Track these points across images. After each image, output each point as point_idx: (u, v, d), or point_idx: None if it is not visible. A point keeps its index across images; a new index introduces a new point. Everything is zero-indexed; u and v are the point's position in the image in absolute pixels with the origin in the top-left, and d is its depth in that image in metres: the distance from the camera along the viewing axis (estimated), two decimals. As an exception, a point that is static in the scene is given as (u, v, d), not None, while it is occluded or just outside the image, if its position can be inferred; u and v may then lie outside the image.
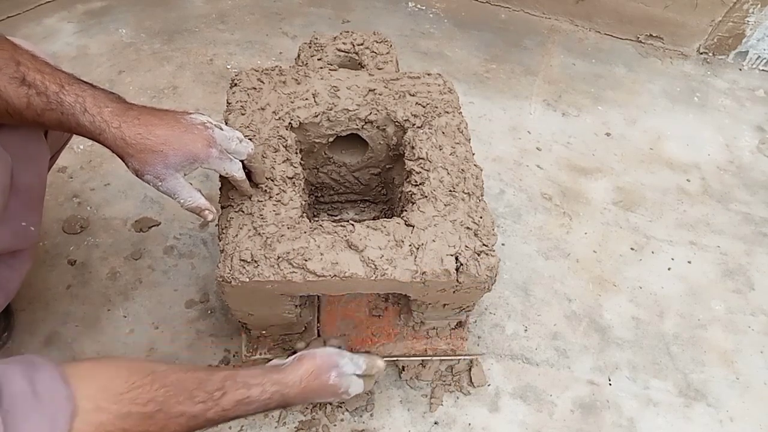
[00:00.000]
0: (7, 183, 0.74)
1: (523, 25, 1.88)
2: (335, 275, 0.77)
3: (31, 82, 0.67)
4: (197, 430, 0.65)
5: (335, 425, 1.00)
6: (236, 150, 0.78)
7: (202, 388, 0.66)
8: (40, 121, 0.69)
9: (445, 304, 0.90)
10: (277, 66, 0.99)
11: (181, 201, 0.75)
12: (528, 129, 1.56)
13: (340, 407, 1.02)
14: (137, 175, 0.72)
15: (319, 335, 1.03)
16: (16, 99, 0.66)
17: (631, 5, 1.77)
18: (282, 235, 0.80)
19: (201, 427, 0.66)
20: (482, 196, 0.87)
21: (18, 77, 0.66)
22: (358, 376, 0.83)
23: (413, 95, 0.97)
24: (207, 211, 0.77)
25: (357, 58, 1.09)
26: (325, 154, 1.01)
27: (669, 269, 1.30)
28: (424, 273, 0.78)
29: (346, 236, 0.80)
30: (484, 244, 0.81)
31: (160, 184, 0.72)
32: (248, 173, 0.83)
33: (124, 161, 0.72)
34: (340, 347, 0.88)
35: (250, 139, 0.88)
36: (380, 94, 0.96)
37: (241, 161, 0.79)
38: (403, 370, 1.05)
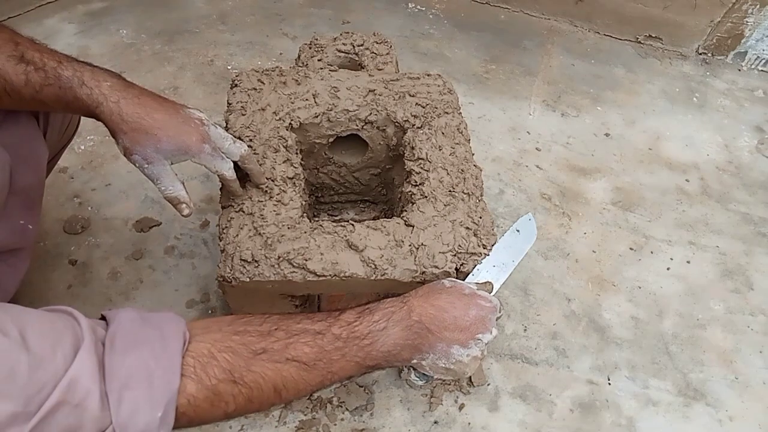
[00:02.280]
0: (5, 182, 0.75)
1: (523, 25, 1.88)
2: (335, 275, 0.78)
3: (29, 59, 0.67)
4: (320, 358, 0.62)
5: (335, 425, 1.00)
6: (229, 150, 0.78)
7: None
8: (38, 98, 0.69)
9: (444, 304, 0.90)
10: (277, 67, 1.00)
11: (162, 188, 0.75)
12: (527, 129, 1.56)
13: (340, 407, 1.03)
14: (125, 154, 0.73)
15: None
16: (15, 76, 0.67)
17: (630, 6, 1.77)
18: (282, 235, 0.80)
19: (324, 351, 0.63)
20: (482, 196, 0.88)
21: (16, 55, 0.67)
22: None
23: (413, 96, 0.98)
24: (184, 205, 0.76)
25: (357, 58, 1.09)
26: (325, 154, 1.02)
27: (668, 269, 1.30)
28: (424, 273, 0.79)
29: (346, 236, 0.81)
30: (483, 245, 0.82)
31: (146, 166, 0.73)
32: (245, 174, 0.84)
33: (115, 137, 0.72)
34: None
35: (251, 140, 0.89)
36: (380, 95, 0.96)
37: (235, 162, 0.80)
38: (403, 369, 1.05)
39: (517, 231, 0.85)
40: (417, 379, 0.73)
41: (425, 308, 0.68)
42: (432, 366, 0.69)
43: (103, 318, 0.56)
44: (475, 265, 0.80)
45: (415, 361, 0.69)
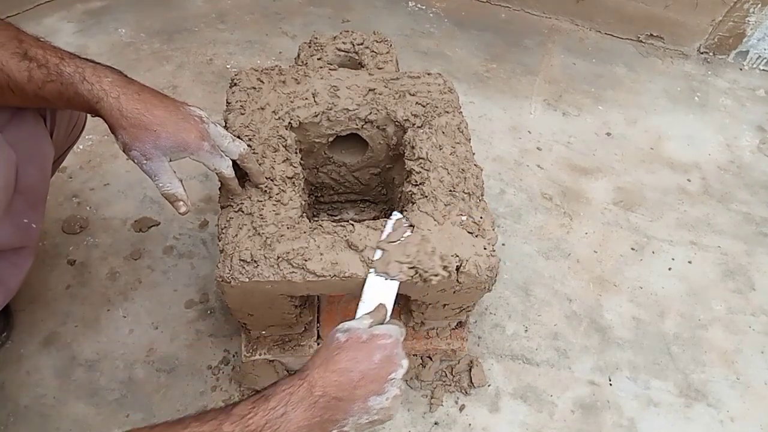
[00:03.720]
0: (11, 180, 0.75)
1: (524, 24, 1.87)
2: (335, 275, 0.77)
3: (32, 56, 0.68)
4: None
5: (335, 426, 1.00)
6: (228, 148, 0.78)
7: None
8: (41, 95, 0.69)
9: (445, 305, 0.90)
10: (276, 65, 0.99)
11: (160, 185, 0.74)
12: (528, 129, 1.56)
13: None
14: (124, 150, 0.72)
15: (319, 335, 1.03)
16: (18, 73, 0.67)
17: (631, 5, 1.76)
18: (282, 235, 0.79)
19: None
20: (482, 195, 0.87)
21: (20, 52, 0.67)
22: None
23: (413, 95, 0.97)
24: (181, 203, 0.75)
25: (357, 57, 1.08)
26: (325, 153, 1.01)
27: (669, 269, 1.29)
28: (424, 273, 0.78)
29: (346, 236, 0.80)
30: (484, 245, 0.81)
31: (144, 162, 0.72)
32: (245, 174, 0.83)
33: (114, 133, 0.71)
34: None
35: (250, 139, 0.88)
36: (380, 94, 0.96)
37: (234, 161, 0.79)
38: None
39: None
40: None
41: (328, 378, 0.62)
42: (356, 427, 0.64)
43: None
44: (361, 291, 0.76)
45: None
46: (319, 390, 0.62)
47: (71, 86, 0.69)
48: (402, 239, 0.79)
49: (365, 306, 0.75)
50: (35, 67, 0.67)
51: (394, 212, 0.84)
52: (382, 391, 0.64)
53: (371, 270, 0.77)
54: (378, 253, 0.78)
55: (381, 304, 0.74)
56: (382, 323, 0.72)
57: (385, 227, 0.81)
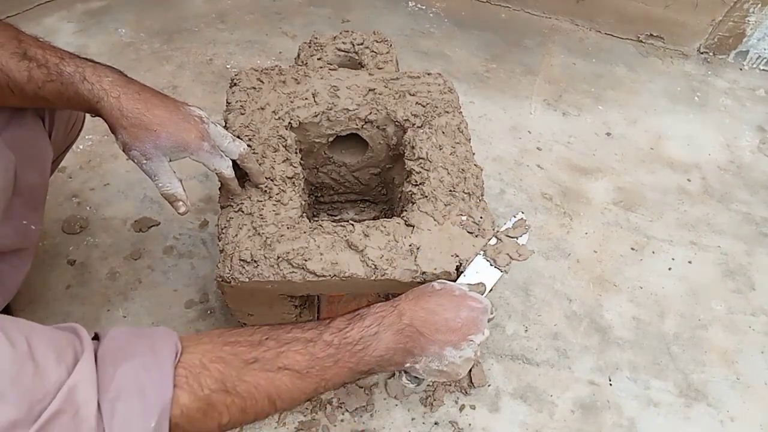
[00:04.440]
0: (10, 181, 0.74)
1: (524, 24, 1.88)
2: (335, 275, 0.77)
3: (32, 56, 0.68)
4: (312, 365, 0.62)
5: (335, 426, 1.00)
6: (228, 148, 0.78)
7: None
8: (41, 95, 0.69)
9: (445, 305, 0.90)
10: (276, 65, 0.99)
11: (160, 185, 0.74)
12: (528, 129, 1.56)
13: (340, 407, 1.02)
14: (124, 149, 0.72)
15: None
16: (17, 73, 0.67)
17: (631, 5, 1.77)
18: (282, 235, 0.79)
19: (317, 358, 0.62)
20: (482, 195, 0.87)
21: (19, 52, 0.67)
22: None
23: (413, 95, 0.97)
24: (180, 203, 0.76)
25: (357, 57, 1.08)
26: (325, 153, 1.01)
27: (669, 269, 1.29)
28: (424, 273, 0.78)
29: (346, 236, 0.80)
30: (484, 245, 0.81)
31: (144, 162, 0.72)
32: (245, 174, 0.83)
33: (114, 133, 0.72)
34: None
35: (250, 139, 0.88)
36: (380, 94, 0.96)
37: (234, 161, 0.80)
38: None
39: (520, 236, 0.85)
40: (408, 382, 0.72)
41: (416, 311, 0.67)
42: (425, 368, 0.68)
43: (96, 337, 0.56)
44: (466, 266, 0.79)
45: (408, 364, 0.68)
46: (407, 319, 0.66)
47: (71, 86, 0.69)
48: (519, 238, 0.82)
49: (466, 280, 0.77)
50: (35, 66, 0.67)
51: (520, 212, 0.86)
52: (459, 347, 0.67)
53: (481, 252, 0.79)
54: (493, 241, 0.81)
55: (481, 282, 0.77)
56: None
57: (508, 221, 0.84)
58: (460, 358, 0.68)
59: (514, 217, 0.85)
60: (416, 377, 0.71)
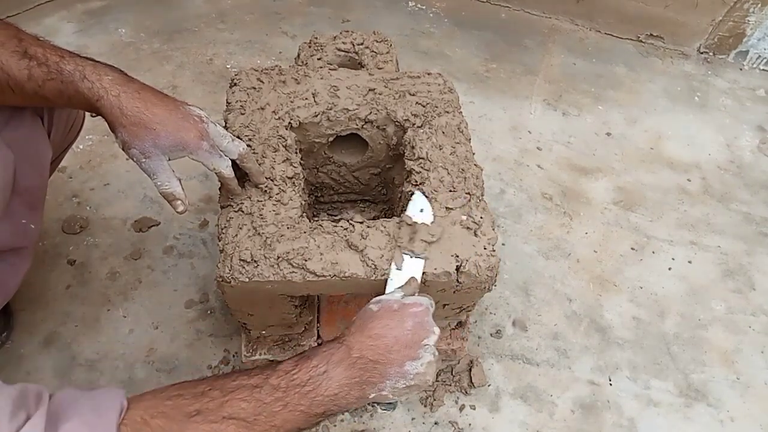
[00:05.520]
0: (9, 181, 0.74)
1: (524, 24, 1.87)
2: (335, 275, 0.77)
3: (32, 54, 0.68)
4: (259, 412, 0.60)
5: (335, 426, 1.00)
6: (227, 148, 0.78)
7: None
8: (41, 93, 0.69)
9: (445, 305, 0.90)
10: (276, 65, 0.99)
11: (158, 183, 0.74)
12: (528, 129, 1.56)
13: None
14: (123, 148, 0.72)
15: (319, 335, 1.03)
16: (18, 71, 0.67)
17: (631, 5, 1.76)
18: (282, 235, 0.79)
19: (264, 404, 0.61)
20: (482, 195, 0.87)
21: (20, 51, 0.67)
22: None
23: (413, 95, 0.97)
24: (179, 202, 0.76)
25: (357, 57, 1.08)
26: (325, 153, 1.01)
27: (669, 269, 1.29)
28: (424, 273, 0.78)
29: (346, 236, 0.80)
30: (484, 245, 0.81)
31: (143, 161, 0.72)
32: (245, 173, 0.83)
33: (114, 131, 0.72)
34: None
35: (250, 139, 0.88)
36: (380, 94, 0.96)
37: (233, 161, 0.79)
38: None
39: (420, 212, 0.84)
40: (385, 410, 0.71)
41: (363, 342, 0.66)
42: (393, 391, 0.67)
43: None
44: (389, 269, 0.78)
45: (373, 395, 0.66)
46: (357, 352, 0.65)
47: (71, 84, 0.69)
48: (425, 218, 0.81)
49: (394, 283, 0.77)
50: (35, 65, 0.67)
51: (416, 191, 0.84)
52: (417, 357, 0.67)
53: (397, 248, 0.79)
54: (405, 233, 0.80)
55: (412, 277, 0.76)
56: (413, 296, 0.74)
57: (408, 206, 0.82)
58: (422, 366, 0.67)
59: (412, 199, 0.84)
60: (388, 402, 0.70)
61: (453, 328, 1.04)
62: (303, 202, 0.89)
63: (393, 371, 0.66)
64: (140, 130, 0.70)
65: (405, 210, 0.83)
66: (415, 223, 0.81)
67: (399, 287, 0.75)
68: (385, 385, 0.66)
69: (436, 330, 0.70)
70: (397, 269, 0.77)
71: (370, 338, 0.66)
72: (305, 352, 0.66)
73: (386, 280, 0.77)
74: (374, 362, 0.65)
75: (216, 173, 0.78)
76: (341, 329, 1.03)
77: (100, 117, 0.72)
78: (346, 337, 0.67)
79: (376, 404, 0.70)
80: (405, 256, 0.78)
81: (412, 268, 0.78)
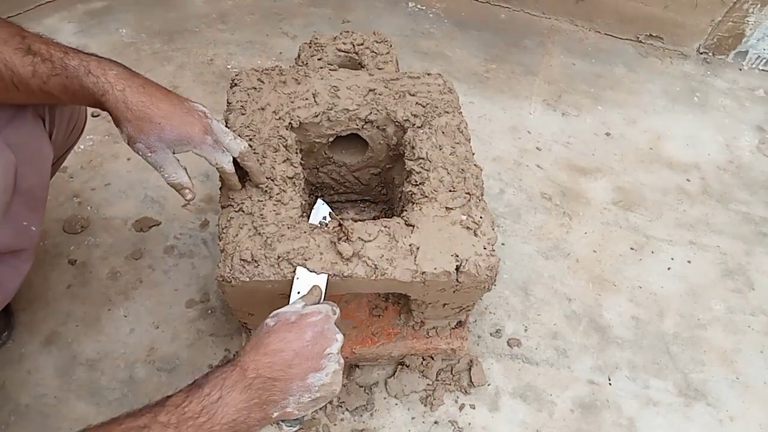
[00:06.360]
0: (10, 182, 0.75)
1: (523, 25, 1.88)
2: (335, 275, 0.77)
3: (36, 51, 0.68)
4: None
5: (335, 425, 1.00)
6: (229, 145, 0.79)
7: None
8: (45, 89, 0.69)
9: (445, 304, 0.90)
10: (277, 66, 0.99)
11: (166, 175, 0.75)
12: (528, 129, 1.56)
13: (341, 407, 1.02)
14: (128, 142, 0.73)
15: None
16: (22, 68, 0.67)
17: (631, 5, 1.77)
18: (282, 235, 0.80)
19: None
20: (482, 195, 0.87)
21: (23, 47, 0.67)
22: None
23: (413, 95, 0.97)
24: (187, 190, 0.77)
25: (357, 58, 1.09)
26: (325, 153, 1.02)
27: (669, 269, 1.30)
28: (424, 273, 0.78)
29: (345, 236, 0.80)
30: (483, 245, 0.82)
31: (149, 155, 0.73)
32: (245, 173, 0.84)
33: (118, 126, 0.72)
34: None
35: (250, 139, 0.88)
36: (380, 94, 0.96)
37: (235, 160, 0.80)
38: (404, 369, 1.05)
39: (324, 218, 0.83)
40: (290, 426, 0.68)
41: (259, 360, 0.63)
42: (298, 407, 0.64)
43: None
44: (293, 280, 0.77)
45: (276, 414, 0.63)
46: (252, 372, 0.62)
47: (76, 79, 0.69)
48: (330, 230, 0.81)
49: (297, 295, 0.75)
50: (39, 61, 0.68)
51: (319, 200, 0.85)
52: (320, 367, 0.64)
53: (299, 265, 0.78)
54: None
55: (315, 285, 0.75)
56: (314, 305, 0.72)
57: (311, 214, 0.82)
58: (327, 376, 0.65)
59: (315, 209, 0.84)
60: (295, 419, 0.67)
61: (453, 328, 1.04)
62: (303, 202, 0.89)
63: (295, 386, 0.63)
64: (145, 124, 0.71)
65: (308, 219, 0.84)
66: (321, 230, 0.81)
67: (301, 297, 0.73)
68: (288, 402, 0.63)
69: (339, 337, 0.67)
70: (301, 279, 0.76)
71: (266, 355, 0.63)
72: (196, 381, 0.62)
73: (297, 292, 0.76)
74: (273, 380, 0.62)
75: (218, 168, 0.79)
76: (341, 329, 1.03)
77: (100, 117, 0.72)
78: (241, 357, 0.63)
79: (281, 422, 0.67)
80: (302, 269, 0.77)
81: (314, 278, 0.76)
